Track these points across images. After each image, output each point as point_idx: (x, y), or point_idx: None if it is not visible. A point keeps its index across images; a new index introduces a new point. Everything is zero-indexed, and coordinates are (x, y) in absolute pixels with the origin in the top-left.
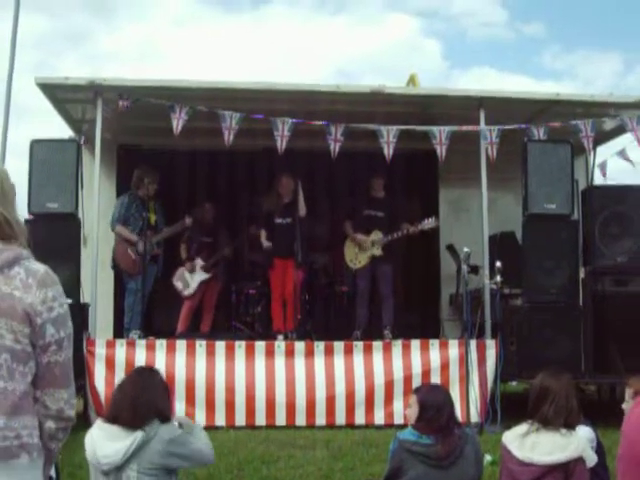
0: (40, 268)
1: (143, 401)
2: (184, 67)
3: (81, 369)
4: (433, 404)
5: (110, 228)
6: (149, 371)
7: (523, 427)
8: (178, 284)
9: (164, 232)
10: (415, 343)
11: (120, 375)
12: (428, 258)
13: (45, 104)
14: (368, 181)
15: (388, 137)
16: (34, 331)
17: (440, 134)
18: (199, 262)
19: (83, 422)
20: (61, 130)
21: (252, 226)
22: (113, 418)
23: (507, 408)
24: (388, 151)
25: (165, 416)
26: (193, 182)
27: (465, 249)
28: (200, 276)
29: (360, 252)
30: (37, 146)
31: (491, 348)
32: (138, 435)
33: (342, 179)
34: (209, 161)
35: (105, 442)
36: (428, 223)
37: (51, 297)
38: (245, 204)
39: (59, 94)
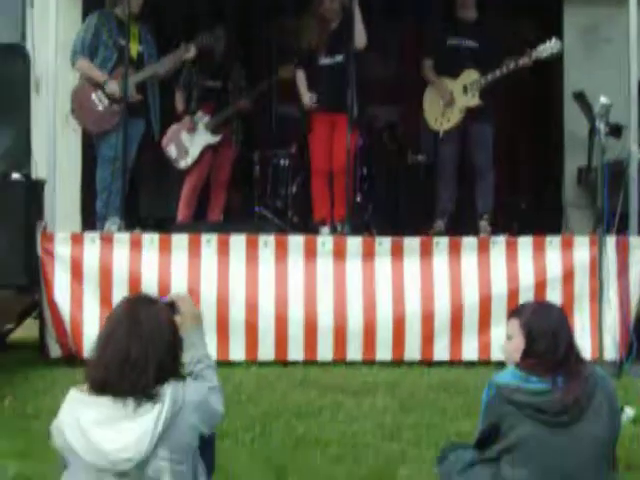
0: None
1: (146, 355)
2: None
3: (34, 276)
4: (544, 331)
5: (70, 64)
6: (147, 304)
7: None
8: (171, 150)
9: (150, 68)
10: (525, 240)
11: (92, 286)
12: (546, 113)
13: None
14: None
15: None
16: None
17: None
18: (203, 117)
19: (39, 354)
20: None
21: (283, 65)
22: (102, 383)
23: None
24: None
25: (178, 371)
26: None
27: (603, 99)
28: (205, 138)
29: (447, 104)
30: None
31: (638, 249)
32: (165, 403)
33: None
34: None
35: (109, 427)
36: (547, 48)
37: None
38: (272, 31)
39: None
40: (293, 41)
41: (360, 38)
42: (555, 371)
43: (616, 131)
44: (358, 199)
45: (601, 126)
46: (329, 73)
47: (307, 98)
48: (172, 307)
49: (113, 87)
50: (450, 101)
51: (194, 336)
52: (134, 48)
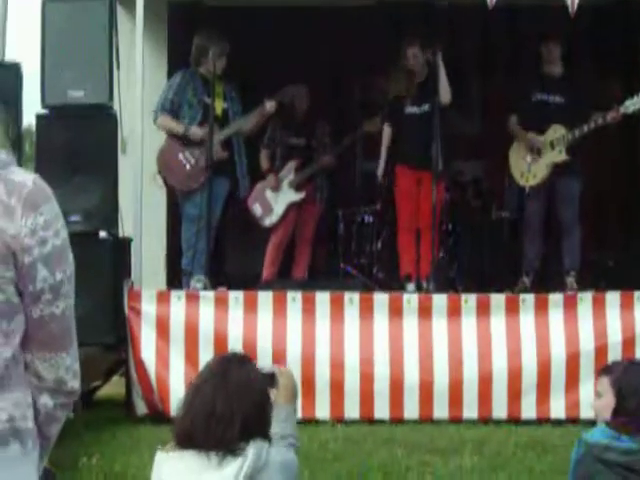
0: (27, 180)
1: (232, 409)
2: None
3: (120, 334)
4: (635, 389)
5: (152, 121)
6: (238, 362)
7: None
8: (256, 208)
9: (234, 124)
10: (613, 296)
11: (178, 343)
12: (633, 167)
13: None
14: (539, 49)
15: None
16: (20, 274)
17: None
18: (287, 175)
19: (125, 412)
20: None
21: (368, 120)
22: (187, 437)
23: None
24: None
25: (266, 432)
26: (281, 55)
27: None
28: (289, 196)
29: (534, 160)
30: (51, 7)
31: None
32: (248, 458)
33: (500, 48)
34: (305, 23)
35: (191, 478)
36: (635, 103)
37: (43, 224)
38: (357, 88)
39: None
40: (380, 97)
41: (444, 93)
42: None
43: None
44: (443, 255)
45: None
46: (416, 123)
47: (380, 170)
48: (271, 378)
49: (196, 131)
50: (540, 149)
51: (286, 412)
52: (219, 106)
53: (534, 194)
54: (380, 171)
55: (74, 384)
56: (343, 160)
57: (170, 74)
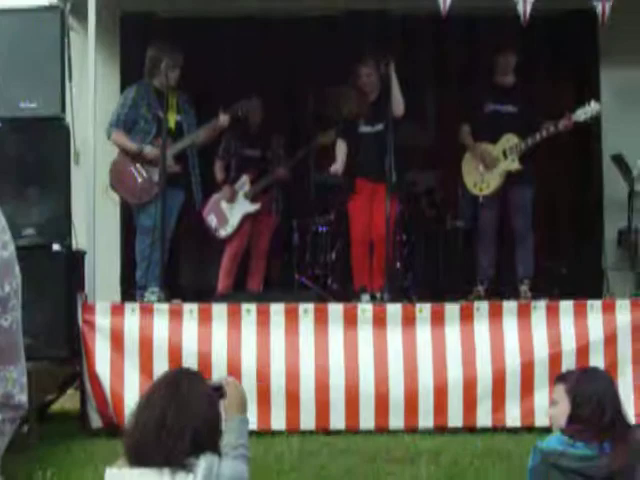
0: None
1: (182, 422)
2: None
3: (74, 347)
4: (590, 397)
5: (106, 136)
6: (188, 376)
7: None
8: (212, 220)
9: (187, 138)
10: (566, 305)
11: (132, 356)
12: (585, 175)
13: None
14: (491, 60)
15: None
16: None
17: None
18: (243, 187)
19: (80, 425)
20: None
21: (322, 133)
22: (138, 456)
23: None
24: (524, 8)
25: (216, 445)
26: (236, 65)
27: None
28: (244, 207)
29: (487, 169)
30: (2, 18)
31: None
32: (198, 474)
33: (453, 58)
34: (259, 35)
35: None
36: (586, 111)
37: None
38: (311, 100)
39: None
40: (333, 110)
41: (397, 105)
42: (601, 436)
43: None
44: (397, 266)
45: None
46: (369, 141)
47: (334, 167)
48: (220, 390)
49: (150, 151)
50: (491, 163)
51: (235, 422)
52: (172, 119)
53: (487, 203)
54: (338, 179)
55: (21, 398)
56: (297, 171)
57: (123, 85)
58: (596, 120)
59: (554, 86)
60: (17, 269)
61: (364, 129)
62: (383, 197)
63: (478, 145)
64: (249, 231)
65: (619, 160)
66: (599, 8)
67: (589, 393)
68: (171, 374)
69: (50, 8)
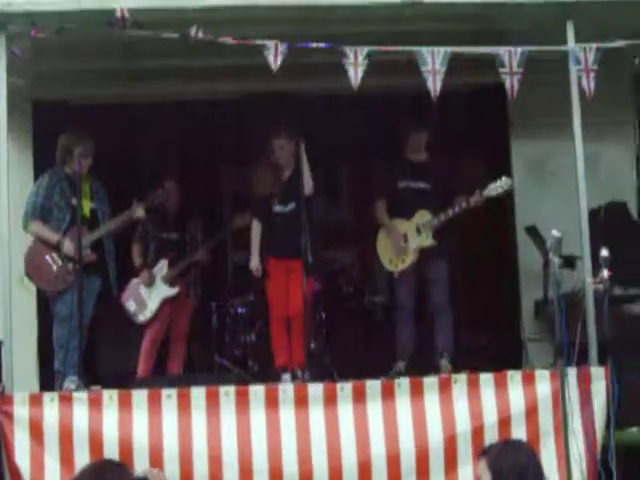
0: None
1: None
2: None
3: None
4: (512, 470)
5: (22, 227)
6: (112, 468)
7: None
8: (131, 305)
9: (102, 227)
10: (486, 377)
11: (53, 447)
12: (500, 248)
13: None
14: (404, 137)
15: (433, 64)
16: None
17: (510, 58)
18: (161, 271)
19: None
20: None
21: (239, 214)
22: None
23: (629, 467)
24: (434, 84)
25: None
26: (149, 151)
27: (554, 232)
28: (163, 291)
29: (401, 247)
30: None
31: (599, 379)
32: None
33: (365, 136)
34: (172, 119)
35: None
36: (498, 186)
37: None
38: (227, 181)
39: None
40: (249, 191)
41: (307, 184)
42: None
43: (570, 263)
44: (317, 344)
45: (554, 259)
46: (283, 221)
47: (253, 263)
48: None
49: (68, 246)
50: (402, 247)
51: None
52: (87, 206)
53: (403, 278)
54: (253, 264)
55: None
56: (215, 253)
57: (37, 173)
58: (508, 194)
59: (466, 161)
60: None
61: (277, 208)
62: (299, 274)
63: (391, 224)
64: (168, 315)
65: (533, 232)
66: (508, 83)
67: (510, 465)
68: (95, 466)
69: None
